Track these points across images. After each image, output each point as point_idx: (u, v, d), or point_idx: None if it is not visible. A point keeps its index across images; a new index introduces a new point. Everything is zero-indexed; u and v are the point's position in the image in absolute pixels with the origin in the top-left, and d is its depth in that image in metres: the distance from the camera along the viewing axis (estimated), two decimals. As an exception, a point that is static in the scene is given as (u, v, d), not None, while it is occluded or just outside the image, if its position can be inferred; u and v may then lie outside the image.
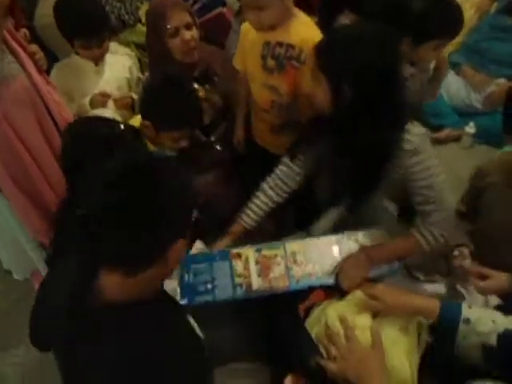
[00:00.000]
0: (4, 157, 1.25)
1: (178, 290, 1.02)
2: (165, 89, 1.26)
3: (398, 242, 1.13)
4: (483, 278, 1.02)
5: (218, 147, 1.81)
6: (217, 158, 1.79)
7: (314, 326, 1.00)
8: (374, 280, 1.09)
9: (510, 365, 0.77)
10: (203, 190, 1.71)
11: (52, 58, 2.08)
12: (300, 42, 1.28)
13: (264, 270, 1.07)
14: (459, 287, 1.15)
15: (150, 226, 0.64)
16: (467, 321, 0.84)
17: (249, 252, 1.11)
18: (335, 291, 1.07)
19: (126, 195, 0.62)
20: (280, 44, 1.32)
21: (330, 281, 1.08)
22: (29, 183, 1.32)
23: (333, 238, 1.16)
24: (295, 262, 1.10)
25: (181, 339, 0.73)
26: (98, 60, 1.63)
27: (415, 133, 1.03)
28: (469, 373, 0.85)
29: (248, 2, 1.23)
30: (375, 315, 1.00)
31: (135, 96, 1.67)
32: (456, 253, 1.18)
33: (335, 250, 1.14)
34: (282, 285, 1.05)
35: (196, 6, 2.26)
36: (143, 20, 2.25)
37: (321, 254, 1.12)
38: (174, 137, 1.28)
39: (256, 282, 1.05)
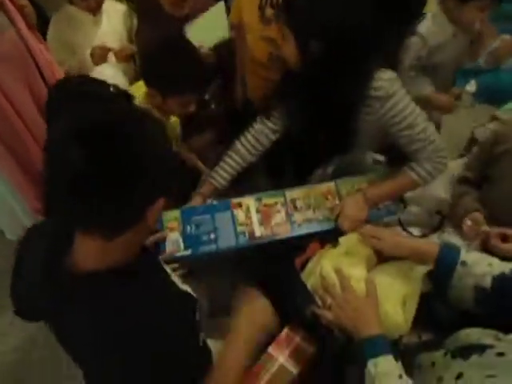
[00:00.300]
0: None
1: (181, 242, 1.03)
2: (166, 53, 1.20)
3: (394, 180, 1.13)
4: (505, 239, 1.02)
5: (213, 106, 1.77)
6: (212, 118, 1.76)
7: (309, 277, 1.01)
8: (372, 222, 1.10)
9: (501, 307, 0.78)
10: (200, 150, 1.70)
11: (40, 15, 2.00)
12: None
13: (265, 218, 1.10)
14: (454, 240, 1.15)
15: (126, 185, 0.59)
16: (464, 263, 0.85)
17: (249, 201, 1.14)
18: (331, 242, 1.07)
19: (98, 152, 0.57)
20: None
21: (331, 225, 1.11)
22: (18, 145, 1.28)
23: (331, 184, 1.18)
24: (295, 208, 1.13)
25: (166, 302, 0.70)
26: (96, 10, 1.55)
27: (384, 78, 1.01)
28: (463, 321, 0.86)
29: None
30: (369, 268, 1.01)
31: (135, 48, 1.62)
32: (468, 222, 1.11)
33: (335, 195, 1.16)
34: (283, 231, 1.09)
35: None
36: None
37: (321, 199, 1.14)
38: (182, 102, 1.22)
39: (258, 230, 1.08)
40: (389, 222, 1.24)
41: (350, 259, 1.02)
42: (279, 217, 1.11)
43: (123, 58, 1.56)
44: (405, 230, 1.22)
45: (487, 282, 0.80)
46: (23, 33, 1.21)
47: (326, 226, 1.11)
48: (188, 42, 1.27)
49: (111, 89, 1.04)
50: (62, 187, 0.58)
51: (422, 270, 0.95)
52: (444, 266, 0.86)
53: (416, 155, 1.07)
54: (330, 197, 1.16)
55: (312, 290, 0.97)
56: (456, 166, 1.31)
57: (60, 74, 1.39)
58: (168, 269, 0.81)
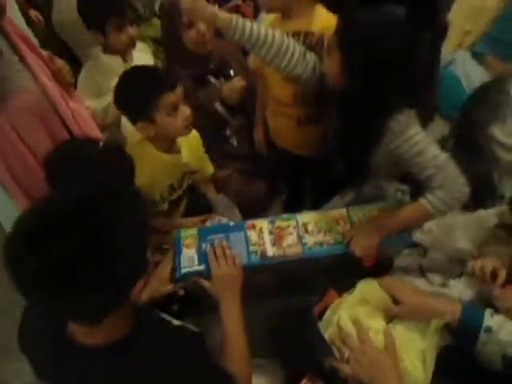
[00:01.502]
0: (13, 166, 1.27)
1: (196, 258, 1.08)
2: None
3: (407, 210, 1.11)
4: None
5: (235, 143, 1.81)
6: (234, 154, 1.79)
7: (327, 327, 1.00)
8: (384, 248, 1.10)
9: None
10: (220, 184, 1.74)
11: (69, 54, 2.12)
12: (321, 30, 1.26)
13: (277, 239, 1.13)
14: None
15: (99, 284, 0.57)
16: (488, 329, 0.83)
17: (263, 223, 1.17)
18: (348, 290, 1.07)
19: (71, 246, 0.54)
20: (297, 33, 1.30)
21: (342, 249, 1.12)
22: (36, 191, 1.32)
23: (342, 210, 1.21)
24: (307, 231, 1.15)
25: (176, 360, 0.70)
26: (132, 45, 1.61)
27: (404, 112, 1.03)
28: (487, 376, 0.84)
29: None
30: (388, 318, 1.00)
31: None
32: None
33: (346, 221, 1.18)
34: (295, 252, 1.11)
35: (212, -2, 2.25)
36: (159, 13, 2.25)
37: (332, 223, 1.17)
38: (171, 103, 1.18)
39: (270, 250, 1.11)
40: (408, 267, 1.23)
41: (368, 308, 1.01)
42: (291, 238, 1.13)
43: None
44: (425, 276, 1.20)
45: None
46: (47, 88, 1.24)
47: (337, 250, 1.12)
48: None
49: (100, 144, 1.04)
50: (32, 285, 0.56)
51: (439, 322, 0.94)
52: (467, 332, 0.85)
53: (428, 183, 1.04)
54: (341, 222, 1.18)
55: (330, 341, 0.97)
56: (486, 216, 1.22)
57: (93, 130, 1.43)
58: (167, 316, 0.82)
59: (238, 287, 0.99)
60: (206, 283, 1.02)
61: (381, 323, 0.98)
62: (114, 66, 1.61)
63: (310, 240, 1.13)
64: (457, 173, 1.02)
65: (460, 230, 1.19)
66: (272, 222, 1.17)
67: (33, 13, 1.80)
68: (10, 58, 1.17)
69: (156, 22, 2.23)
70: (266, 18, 1.44)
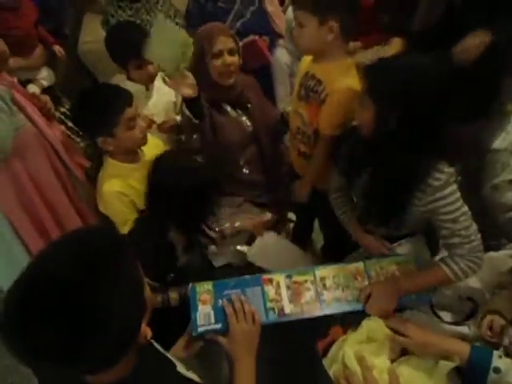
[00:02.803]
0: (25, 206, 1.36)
1: (212, 315, 1.06)
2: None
3: (427, 273, 1.14)
4: None
5: (246, 170, 1.84)
6: (244, 183, 1.82)
7: (331, 364, 0.99)
8: (401, 309, 1.10)
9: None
10: (233, 213, 1.76)
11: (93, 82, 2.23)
12: (327, 81, 1.32)
13: (295, 295, 1.11)
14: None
15: (103, 344, 0.57)
16: (497, 370, 0.82)
17: (280, 278, 1.15)
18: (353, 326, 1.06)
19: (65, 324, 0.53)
20: (313, 77, 1.37)
21: (359, 307, 1.11)
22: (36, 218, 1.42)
23: (361, 264, 1.19)
24: (325, 286, 1.14)
25: None
26: (150, 82, 1.70)
27: (443, 170, 1.05)
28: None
29: (296, 18, 1.31)
30: (393, 357, 0.99)
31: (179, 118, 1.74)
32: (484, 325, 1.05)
33: (364, 275, 1.17)
34: (313, 309, 1.10)
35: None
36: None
37: (350, 279, 1.16)
38: (130, 118, 1.26)
39: (288, 307, 1.09)
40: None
41: (373, 346, 1.00)
42: (309, 295, 1.12)
43: (165, 129, 1.70)
44: (435, 314, 1.19)
45: None
46: (40, 125, 1.39)
47: (354, 307, 1.11)
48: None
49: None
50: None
51: (448, 366, 0.92)
52: (476, 372, 0.84)
53: (452, 249, 1.08)
54: (358, 277, 1.17)
55: (334, 379, 0.96)
56: (498, 258, 1.22)
57: (76, 154, 1.54)
58: (172, 358, 0.81)
59: (255, 344, 0.96)
60: (222, 340, 0.98)
61: (385, 362, 0.97)
62: (138, 94, 1.69)
63: (328, 296, 1.12)
64: (480, 247, 1.07)
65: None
66: (289, 276, 1.15)
67: (57, 48, 1.94)
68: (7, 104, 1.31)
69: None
70: (304, 59, 1.49)
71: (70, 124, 1.66)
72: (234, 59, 1.54)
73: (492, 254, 1.21)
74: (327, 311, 1.10)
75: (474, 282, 1.18)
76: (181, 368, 0.79)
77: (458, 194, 1.06)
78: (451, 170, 1.06)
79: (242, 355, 0.93)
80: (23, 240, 1.34)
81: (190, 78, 1.40)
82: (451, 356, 0.91)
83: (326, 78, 1.32)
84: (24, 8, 1.75)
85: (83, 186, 1.47)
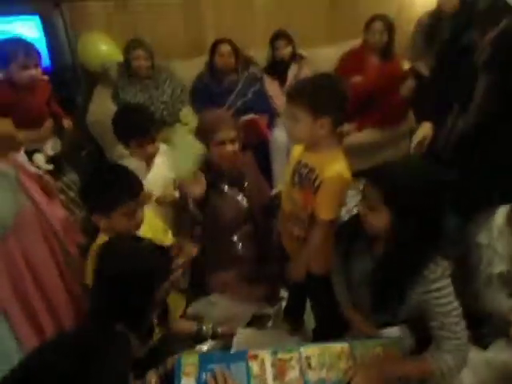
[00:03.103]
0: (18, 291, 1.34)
1: None
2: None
3: (413, 362, 1.14)
4: None
5: (239, 246, 1.87)
6: (237, 258, 1.84)
7: None
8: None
9: None
10: (224, 287, 1.76)
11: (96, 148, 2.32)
12: (319, 170, 1.39)
13: (280, 373, 1.11)
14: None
15: None
16: None
17: (265, 355, 1.15)
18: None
19: None
20: (306, 165, 1.44)
21: None
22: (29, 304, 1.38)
23: (346, 344, 1.19)
24: (309, 365, 1.13)
25: None
26: (150, 159, 1.78)
27: (439, 263, 1.10)
28: None
29: (288, 112, 1.37)
30: None
31: (177, 194, 1.81)
32: None
33: (348, 356, 1.17)
34: None
35: (231, 111, 2.49)
36: (183, 120, 2.50)
37: (335, 359, 1.16)
38: (129, 210, 1.27)
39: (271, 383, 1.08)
40: None
41: None
42: (293, 374, 1.11)
43: (163, 203, 1.75)
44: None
45: None
46: (41, 205, 1.42)
47: None
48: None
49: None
50: None
51: None
52: None
53: (440, 343, 1.10)
54: (343, 358, 1.17)
55: None
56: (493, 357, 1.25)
57: (72, 231, 1.57)
58: None
59: None
60: None
61: None
62: (138, 170, 1.75)
63: (312, 377, 1.12)
64: (466, 346, 1.10)
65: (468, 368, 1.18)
66: (275, 353, 1.16)
67: (66, 122, 2.05)
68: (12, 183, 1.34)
69: (178, 128, 2.46)
70: (296, 147, 1.56)
71: (71, 194, 1.71)
72: (235, 147, 1.63)
73: (488, 354, 1.21)
74: None
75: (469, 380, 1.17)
76: None
77: (451, 289, 1.10)
78: (445, 263, 1.11)
79: None
80: (12, 322, 1.31)
81: (202, 180, 1.49)
82: None
83: (318, 167, 1.40)
84: (39, 87, 1.85)
85: (74, 261, 1.46)
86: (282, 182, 2.41)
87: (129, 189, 1.28)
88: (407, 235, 1.08)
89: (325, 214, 1.42)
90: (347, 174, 1.35)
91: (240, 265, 1.84)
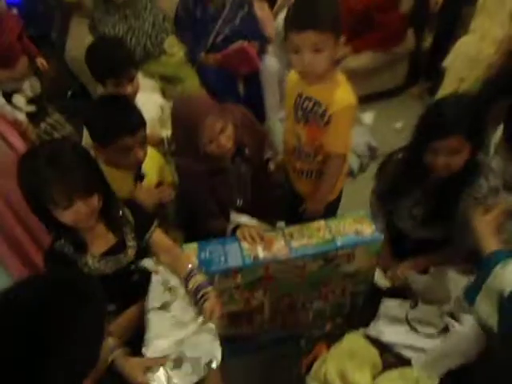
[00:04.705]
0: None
1: (197, 264, 1.20)
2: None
3: None
4: None
5: (239, 203, 1.74)
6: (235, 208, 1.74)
7: (314, 381, 1.02)
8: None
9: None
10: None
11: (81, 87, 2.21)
12: (328, 102, 1.31)
13: (267, 245, 1.27)
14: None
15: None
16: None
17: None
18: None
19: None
20: (309, 98, 1.35)
21: (325, 248, 1.25)
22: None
23: (322, 221, 1.34)
24: (292, 237, 1.30)
25: None
26: (131, 98, 1.62)
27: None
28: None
29: (306, 42, 1.19)
30: (375, 372, 1.02)
31: (165, 134, 1.71)
32: None
33: (325, 228, 1.33)
34: (283, 253, 1.25)
35: (219, 39, 2.34)
36: (168, 51, 2.35)
37: (313, 231, 1.31)
38: (126, 145, 1.21)
39: (261, 254, 1.25)
40: (394, 317, 1.26)
41: (355, 362, 1.03)
42: (279, 244, 1.27)
43: (152, 144, 1.66)
44: (411, 326, 1.22)
45: None
46: (19, 150, 1.40)
47: (320, 249, 1.26)
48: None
49: None
50: None
51: (428, 382, 0.96)
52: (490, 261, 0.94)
53: None
54: (321, 230, 1.31)
55: (316, 395, 0.99)
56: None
57: None
58: None
59: None
60: None
61: (367, 378, 1.00)
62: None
63: (296, 244, 1.27)
64: None
65: (453, 283, 1.23)
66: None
67: (39, 61, 1.92)
68: None
69: (164, 59, 2.32)
70: (290, 76, 1.45)
71: (56, 135, 1.66)
72: (228, 133, 1.35)
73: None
74: (296, 255, 1.24)
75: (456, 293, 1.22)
76: None
77: None
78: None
79: None
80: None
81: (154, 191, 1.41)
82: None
83: (326, 100, 1.30)
84: (6, 22, 1.71)
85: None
86: (274, 110, 2.36)
87: (125, 123, 1.20)
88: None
89: (339, 147, 1.38)
90: (354, 100, 1.29)
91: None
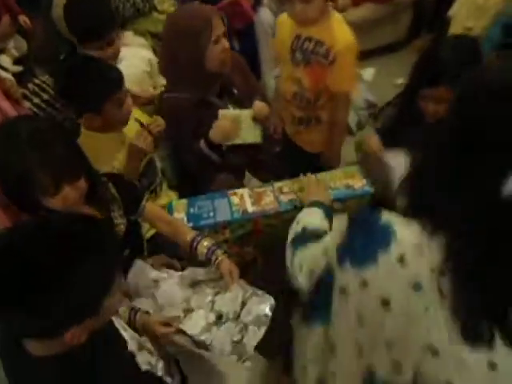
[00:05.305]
0: None
1: (185, 219, 1.24)
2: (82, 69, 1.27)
3: None
4: None
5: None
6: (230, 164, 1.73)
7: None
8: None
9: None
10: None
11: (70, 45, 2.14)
12: (330, 41, 1.28)
13: (256, 200, 1.28)
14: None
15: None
16: None
17: (243, 191, 1.33)
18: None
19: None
20: (309, 39, 1.33)
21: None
22: None
23: (312, 176, 1.30)
24: (281, 191, 1.31)
25: None
26: (112, 59, 1.56)
27: None
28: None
29: None
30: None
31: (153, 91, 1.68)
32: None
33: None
34: (272, 207, 1.26)
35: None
36: (158, 8, 2.26)
37: (304, 186, 1.30)
38: (119, 99, 1.23)
39: (250, 208, 1.26)
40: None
41: None
42: (268, 198, 1.29)
43: (140, 103, 1.58)
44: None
45: None
46: (4, 109, 1.38)
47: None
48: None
49: None
50: None
51: None
52: None
53: None
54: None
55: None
56: None
57: None
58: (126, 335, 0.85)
59: None
60: None
61: None
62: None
63: (284, 198, 1.28)
64: None
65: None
66: (251, 189, 1.33)
67: (22, 18, 1.86)
68: None
69: (155, 16, 2.23)
70: (282, 23, 1.42)
71: (45, 97, 1.62)
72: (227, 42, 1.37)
73: None
74: (284, 207, 1.25)
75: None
76: (133, 345, 0.83)
77: None
78: None
79: None
80: None
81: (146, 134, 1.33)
82: None
83: (328, 38, 1.29)
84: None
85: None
86: (269, 64, 2.28)
87: (113, 78, 1.23)
88: None
89: (348, 85, 1.38)
90: (354, 39, 1.31)
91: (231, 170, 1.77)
